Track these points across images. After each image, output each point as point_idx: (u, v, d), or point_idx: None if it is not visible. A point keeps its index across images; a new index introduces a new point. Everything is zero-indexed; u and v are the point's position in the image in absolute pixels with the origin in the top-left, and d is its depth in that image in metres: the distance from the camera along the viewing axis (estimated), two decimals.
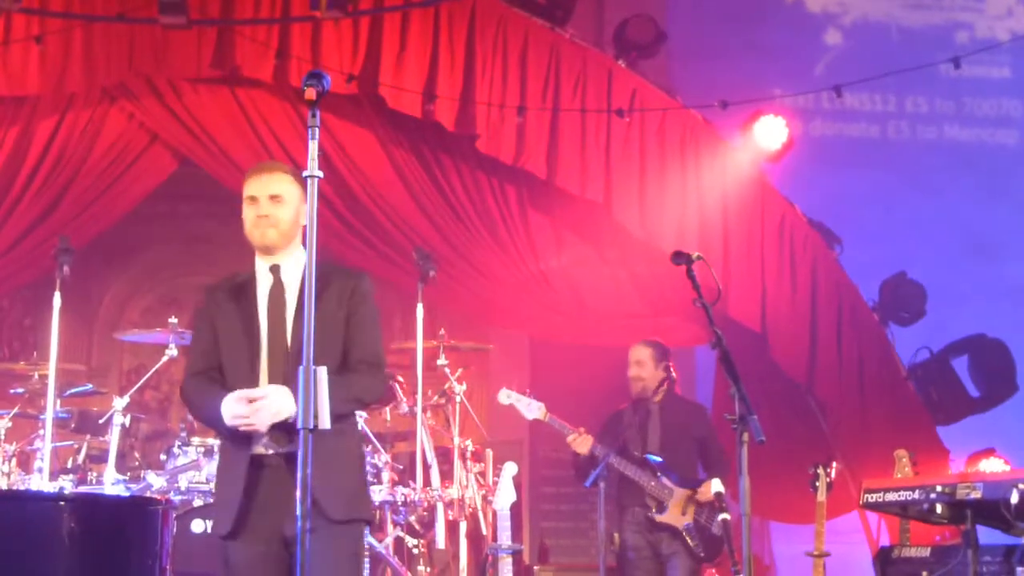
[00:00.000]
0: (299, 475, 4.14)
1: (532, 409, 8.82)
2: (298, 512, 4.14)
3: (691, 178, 9.94)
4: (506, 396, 8.88)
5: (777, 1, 13.37)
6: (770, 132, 10.13)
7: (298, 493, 4.15)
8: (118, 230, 10.44)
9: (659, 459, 8.70)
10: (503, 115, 9.53)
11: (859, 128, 13.32)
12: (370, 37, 9.46)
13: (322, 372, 4.31)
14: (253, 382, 5.05)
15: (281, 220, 5.18)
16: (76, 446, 8.71)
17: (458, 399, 9.07)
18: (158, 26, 9.09)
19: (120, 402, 8.19)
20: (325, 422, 4.27)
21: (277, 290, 5.18)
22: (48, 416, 7.98)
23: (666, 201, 9.83)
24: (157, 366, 8.80)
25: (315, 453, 4.26)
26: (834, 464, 8.72)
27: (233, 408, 4.92)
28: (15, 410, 8.75)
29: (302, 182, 5.04)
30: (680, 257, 6.14)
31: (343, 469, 5.12)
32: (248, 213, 5.20)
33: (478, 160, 9.84)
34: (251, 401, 4.90)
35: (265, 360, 5.09)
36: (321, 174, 4.01)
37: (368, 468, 8.13)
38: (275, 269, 5.22)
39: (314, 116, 4.17)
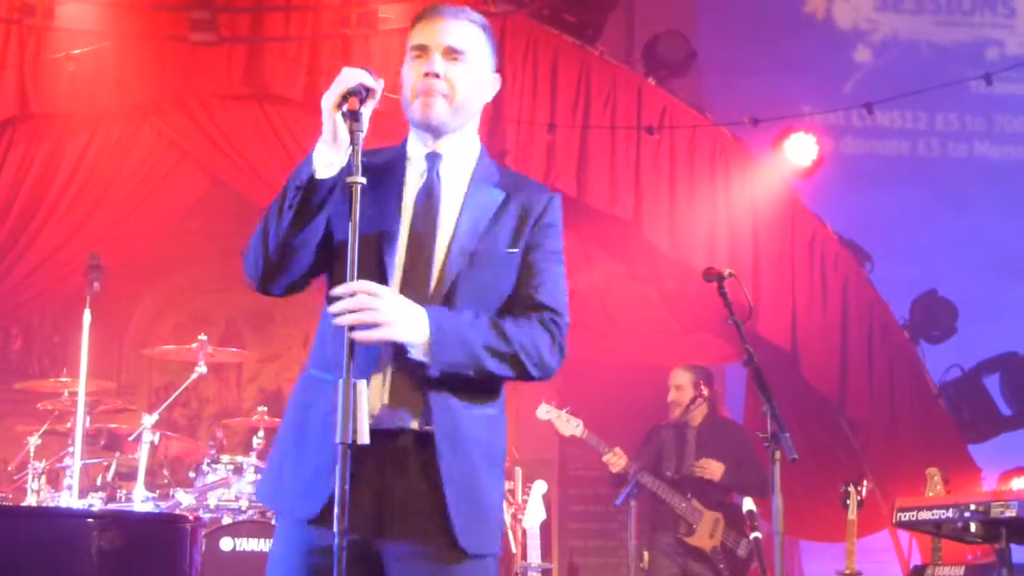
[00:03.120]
0: (336, 492, 3.14)
1: (570, 425, 8.83)
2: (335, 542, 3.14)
3: (721, 195, 9.90)
4: (545, 411, 8.90)
5: (807, 18, 13.34)
6: (800, 149, 10.09)
7: (335, 522, 3.14)
8: (149, 246, 10.46)
9: None
10: (533, 132, 9.52)
11: (890, 145, 13.27)
12: (399, 53, 9.46)
13: (362, 387, 3.17)
14: None
15: (458, 86, 3.66)
16: (105, 463, 8.71)
17: None
18: (188, 43, 9.13)
19: (149, 419, 8.17)
20: (364, 436, 3.15)
21: (430, 188, 3.66)
22: (78, 433, 7.97)
23: (696, 218, 9.79)
24: (187, 383, 8.79)
25: (451, 442, 3.41)
26: (865, 482, 8.67)
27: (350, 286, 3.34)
28: (45, 427, 8.78)
29: (493, 39, 3.83)
30: (712, 274, 6.12)
31: (491, 475, 3.56)
32: (409, 72, 3.68)
33: None
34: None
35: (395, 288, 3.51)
36: (364, 180, 3.34)
37: None
38: (432, 158, 3.70)
39: (357, 121, 3.45)
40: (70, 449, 8.20)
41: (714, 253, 9.67)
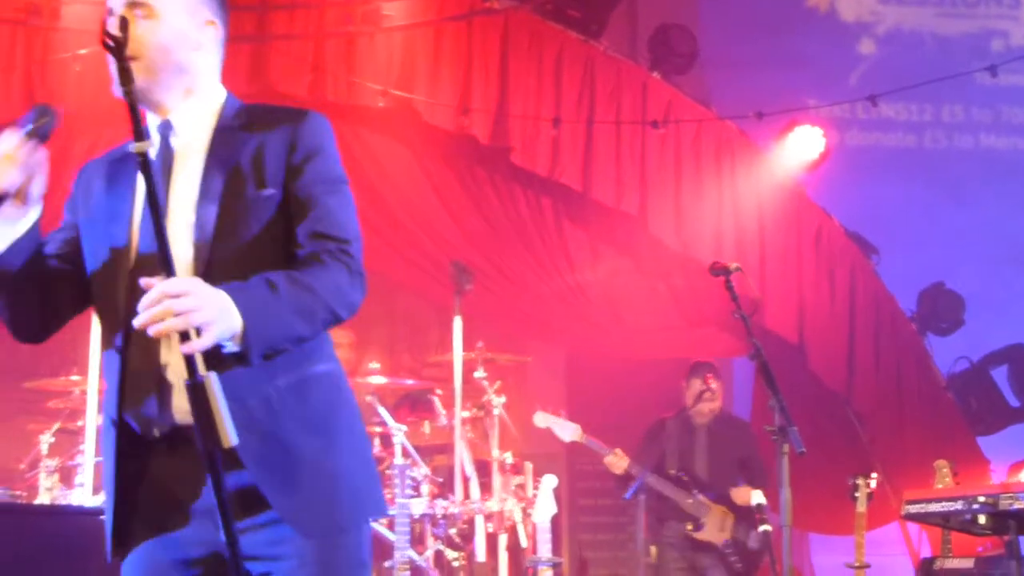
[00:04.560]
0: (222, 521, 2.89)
1: (568, 431, 8.87)
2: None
3: (727, 189, 9.91)
4: (543, 419, 8.93)
5: (810, 11, 13.33)
6: (806, 142, 10.09)
7: (222, 533, 2.90)
8: None
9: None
10: (537, 128, 9.52)
11: (895, 137, 13.26)
12: (404, 51, 9.50)
13: (214, 382, 2.83)
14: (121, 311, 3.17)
15: (146, 43, 3.27)
16: None
17: (496, 412, 9.07)
18: None
19: None
20: (230, 438, 2.83)
21: (163, 162, 3.30)
22: (89, 431, 8.00)
23: (702, 213, 9.80)
24: None
25: (258, 440, 3.08)
26: (874, 475, 8.69)
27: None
28: (56, 425, 8.81)
29: None
30: (718, 269, 6.16)
31: (321, 447, 3.20)
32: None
33: (512, 172, 9.83)
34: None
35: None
36: (149, 145, 3.06)
37: (407, 481, 8.13)
38: (164, 128, 3.35)
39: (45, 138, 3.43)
40: (82, 447, 8.22)
41: (720, 247, 9.68)
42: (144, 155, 2.97)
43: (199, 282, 2.95)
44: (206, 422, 2.82)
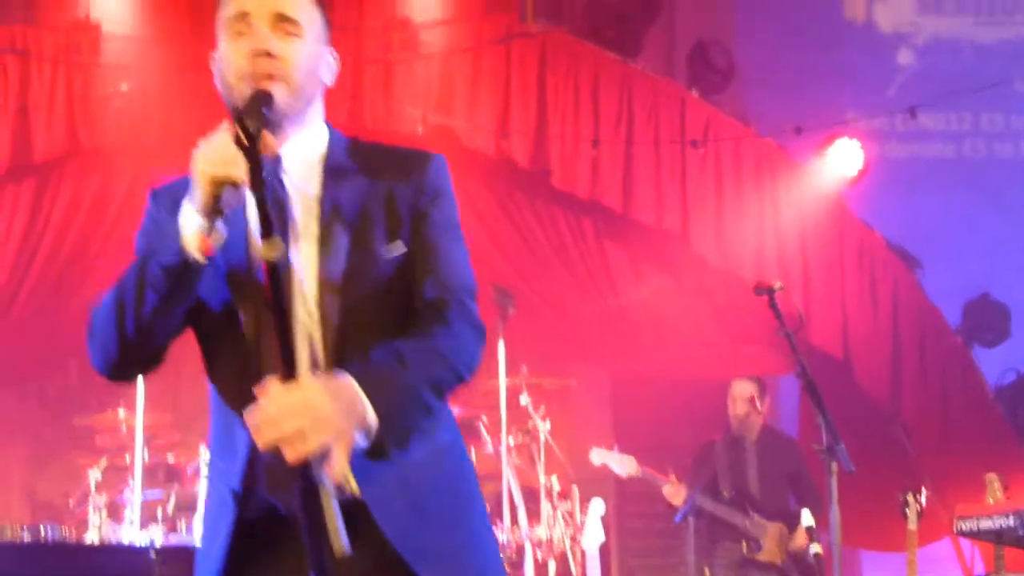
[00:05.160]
0: None
1: (624, 465, 8.86)
2: None
3: (768, 206, 9.89)
4: (598, 456, 8.94)
5: (847, 24, 13.27)
6: (846, 156, 10.05)
7: None
8: None
9: None
10: (577, 149, 9.53)
11: (935, 148, 13.18)
12: (442, 76, 9.53)
13: (328, 486, 2.65)
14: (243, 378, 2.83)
15: (293, 66, 2.93)
16: (165, 496, 8.75)
17: (542, 437, 9.05)
18: None
19: (207, 452, 8.21)
20: (344, 547, 2.67)
21: (276, 203, 2.90)
22: (137, 467, 8.04)
23: (744, 230, 9.78)
24: None
25: (389, 502, 2.85)
26: (924, 490, 8.64)
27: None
28: (104, 461, 8.84)
29: (324, 4, 3.10)
30: (762, 288, 6.15)
31: (460, 513, 3.01)
32: (230, 50, 2.94)
33: (552, 194, 9.83)
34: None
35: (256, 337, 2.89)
36: (281, 251, 2.69)
37: None
38: (275, 164, 2.92)
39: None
40: (130, 482, 8.27)
41: (763, 264, 9.66)
42: (276, 265, 2.62)
43: (325, 388, 2.64)
44: (318, 530, 2.65)
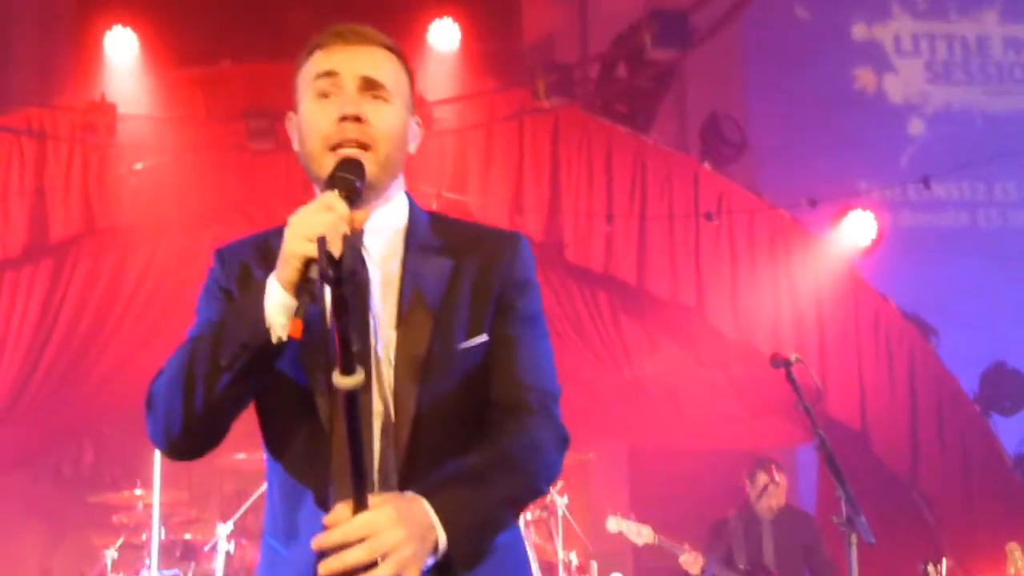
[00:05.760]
0: None
1: (641, 534, 8.82)
2: None
3: (783, 277, 9.90)
4: (615, 524, 8.89)
5: (858, 94, 13.34)
6: (859, 227, 10.07)
7: None
8: None
9: None
10: (591, 224, 9.56)
11: (948, 217, 13.21)
12: (456, 152, 9.57)
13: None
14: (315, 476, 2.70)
15: (382, 133, 2.73)
16: (182, 575, 8.72)
17: (560, 511, 9.00)
18: (248, 152, 9.26)
19: (224, 528, 8.18)
20: None
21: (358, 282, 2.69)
22: (154, 545, 8.01)
23: (759, 302, 9.78)
24: (260, 491, 8.79)
25: None
26: (944, 561, 8.58)
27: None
28: (121, 540, 8.81)
29: (410, 70, 2.89)
30: (779, 361, 6.12)
31: None
32: (314, 111, 2.74)
33: (567, 269, 9.84)
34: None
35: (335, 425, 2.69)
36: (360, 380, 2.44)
37: None
38: (356, 240, 2.63)
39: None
40: (147, 561, 8.23)
41: (779, 335, 9.65)
42: (353, 393, 2.38)
43: (397, 515, 2.47)
44: None
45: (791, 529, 8.97)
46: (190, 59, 9.87)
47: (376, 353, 2.70)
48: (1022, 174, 13.03)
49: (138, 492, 8.85)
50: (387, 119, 2.73)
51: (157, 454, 7.95)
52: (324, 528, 2.47)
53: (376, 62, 2.76)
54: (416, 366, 2.68)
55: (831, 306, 10.00)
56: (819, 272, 9.99)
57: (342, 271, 2.34)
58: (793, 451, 11.22)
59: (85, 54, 9.74)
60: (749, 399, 10.28)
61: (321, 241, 2.38)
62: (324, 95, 2.73)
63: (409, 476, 2.65)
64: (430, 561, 2.52)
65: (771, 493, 8.94)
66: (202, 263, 9.71)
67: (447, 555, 2.53)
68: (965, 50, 13.66)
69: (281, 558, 2.75)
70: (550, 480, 2.79)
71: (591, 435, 11.16)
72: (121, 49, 9.44)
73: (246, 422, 2.89)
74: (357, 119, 2.68)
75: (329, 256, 2.35)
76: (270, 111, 9.22)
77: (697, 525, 9.38)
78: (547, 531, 9.16)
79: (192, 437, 2.72)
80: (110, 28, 9.46)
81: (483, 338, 2.76)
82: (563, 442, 2.82)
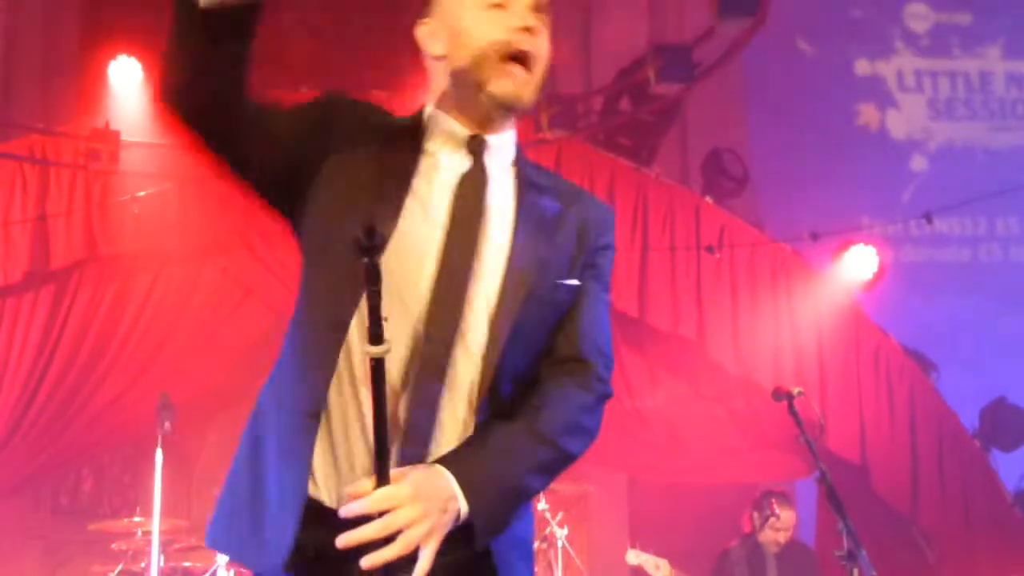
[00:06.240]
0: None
1: (659, 567, 8.83)
2: None
3: (784, 311, 9.90)
4: (635, 556, 8.91)
5: (861, 130, 13.38)
6: (861, 261, 10.09)
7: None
8: (216, 381, 10.52)
9: None
10: None
11: (950, 252, 13.23)
12: None
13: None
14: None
15: (543, 55, 2.80)
16: None
17: (559, 543, 8.99)
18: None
19: (223, 556, 8.17)
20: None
21: (473, 184, 2.77)
22: (153, 573, 7.99)
23: (760, 336, 9.78)
24: None
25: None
26: None
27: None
28: (119, 568, 8.79)
29: None
30: (781, 394, 6.13)
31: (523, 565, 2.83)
32: (483, 19, 2.76)
33: None
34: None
35: (413, 321, 2.65)
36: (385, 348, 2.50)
37: None
38: (476, 145, 2.80)
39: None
40: None
41: (780, 369, 9.65)
42: (380, 360, 2.44)
43: (410, 486, 2.52)
44: None
45: (795, 564, 8.95)
46: None
47: (484, 265, 2.71)
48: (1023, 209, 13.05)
49: (137, 520, 8.82)
50: (545, 44, 2.80)
51: (157, 482, 7.95)
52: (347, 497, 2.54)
53: None
54: (523, 286, 2.70)
55: (832, 341, 10.00)
56: (820, 306, 9.99)
57: (375, 239, 2.36)
58: (793, 485, 11.20)
59: (89, 82, 9.76)
60: (750, 433, 10.28)
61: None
62: (497, 6, 2.76)
63: (492, 394, 2.70)
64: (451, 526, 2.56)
65: (772, 526, 8.93)
66: (203, 292, 9.79)
67: (470, 523, 2.58)
68: (968, 86, 13.70)
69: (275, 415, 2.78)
70: (585, 445, 2.83)
71: (591, 467, 11.13)
72: (125, 78, 9.45)
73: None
74: (533, 32, 2.75)
75: (367, 226, 2.36)
76: None
77: (698, 558, 9.36)
78: (547, 563, 9.15)
79: (179, 71, 2.60)
80: (114, 57, 9.48)
81: (575, 282, 2.82)
82: (604, 400, 2.86)
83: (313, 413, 2.68)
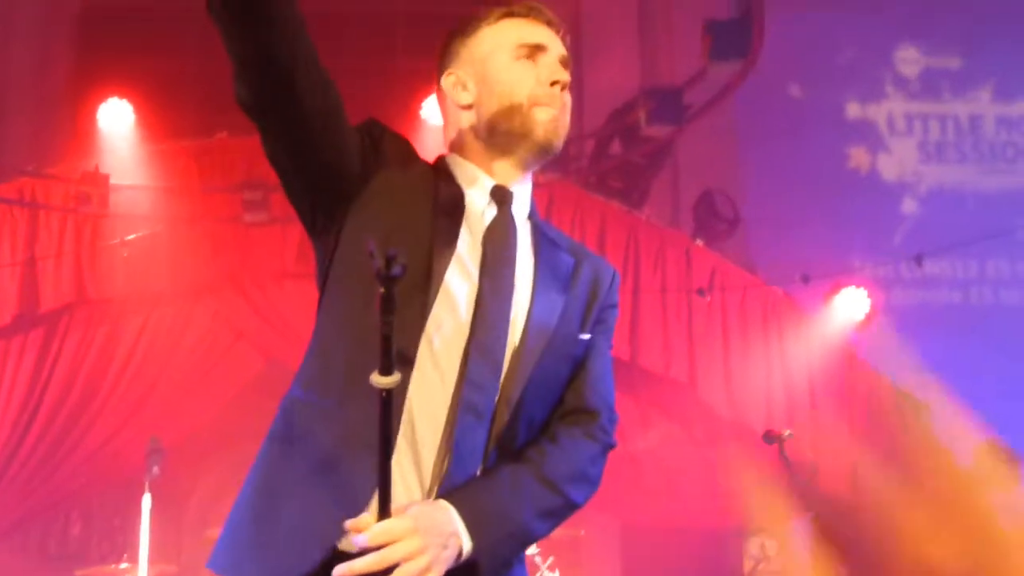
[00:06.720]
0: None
1: None
2: None
3: (775, 354, 9.88)
4: None
5: (852, 173, 13.39)
6: (852, 304, 10.09)
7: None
8: (206, 425, 10.47)
9: None
10: None
11: (941, 295, 13.22)
12: None
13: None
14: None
15: (568, 107, 2.92)
16: None
17: None
18: (241, 224, 9.25)
19: None
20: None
21: (504, 235, 2.83)
22: None
23: (752, 378, 9.75)
24: None
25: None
26: None
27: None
28: None
29: None
30: (772, 436, 6.11)
31: None
32: (518, 70, 2.86)
33: None
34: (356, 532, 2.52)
35: (453, 352, 2.69)
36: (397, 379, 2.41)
37: None
38: (502, 195, 2.88)
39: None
40: None
41: (772, 412, 9.62)
42: (389, 392, 2.38)
43: (412, 520, 2.52)
44: None
45: None
46: (185, 131, 9.88)
47: (513, 312, 2.76)
48: (1014, 253, 13.05)
49: (124, 566, 8.76)
50: (569, 95, 2.92)
51: (145, 527, 7.89)
52: (344, 532, 2.52)
53: (566, 47, 2.96)
54: (544, 337, 2.77)
55: (824, 383, 9.98)
56: (812, 349, 9.98)
57: (393, 268, 2.28)
58: (786, 527, 11.15)
59: (80, 125, 9.77)
60: (741, 475, 10.24)
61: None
62: (528, 57, 2.88)
63: (505, 439, 2.74)
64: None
65: (763, 572, 8.90)
66: (194, 335, 9.75)
67: (472, 561, 2.60)
68: (958, 129, 13.73)
69: (326, 412, 2.78)
70: (588, 495, 2.91)
71: (583, 511, 11.06)
72: (116, 121, 9.46)
73: (234, 497, 2.88)
74: (564, 87, 2.88)
75: (387, 254, 2.29)
76: (265, 183, 9.21)
77: None
78: None
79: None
80: (105, 100, 9.48)
81: (588, 336, 2.90)
82: (608, 451, 2.99)
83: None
